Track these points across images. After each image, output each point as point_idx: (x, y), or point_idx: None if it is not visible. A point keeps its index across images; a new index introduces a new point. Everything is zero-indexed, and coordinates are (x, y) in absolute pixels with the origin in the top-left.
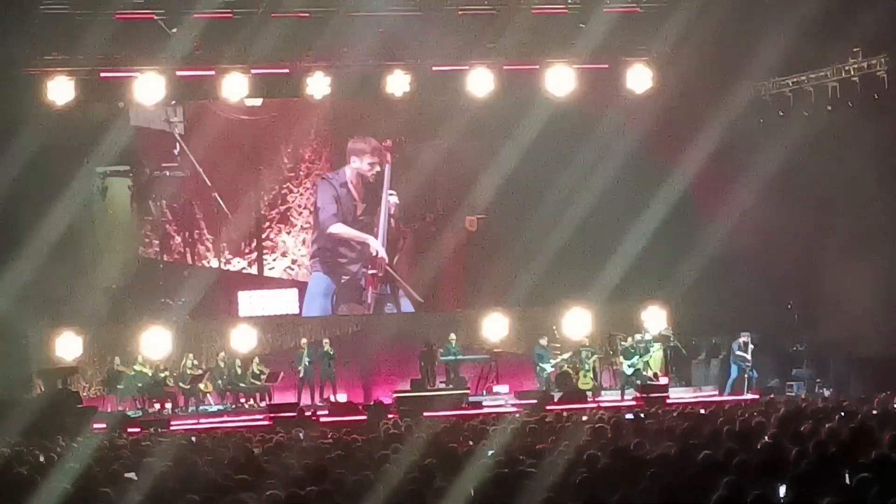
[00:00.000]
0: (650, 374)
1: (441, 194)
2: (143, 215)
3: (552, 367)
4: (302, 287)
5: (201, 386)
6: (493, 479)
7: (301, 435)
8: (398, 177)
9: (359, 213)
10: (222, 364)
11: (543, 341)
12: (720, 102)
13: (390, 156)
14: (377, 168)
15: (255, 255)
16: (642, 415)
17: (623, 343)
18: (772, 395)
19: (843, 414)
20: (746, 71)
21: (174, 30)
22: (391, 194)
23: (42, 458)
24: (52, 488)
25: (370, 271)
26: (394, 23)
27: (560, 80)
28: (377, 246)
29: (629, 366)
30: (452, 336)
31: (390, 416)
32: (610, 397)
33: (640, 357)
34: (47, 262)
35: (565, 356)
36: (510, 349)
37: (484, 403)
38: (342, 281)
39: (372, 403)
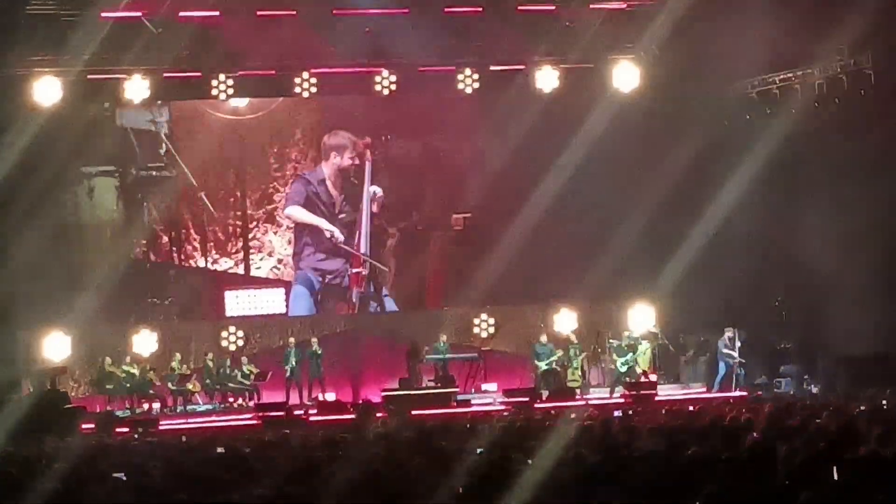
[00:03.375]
0: (639, 371)
1: (428, 193)
2: (129, 215)
3: (547, 364)
4: (288, 286)
5: (189, 386)
6: (481, 478)
7: (289, 434)
8: (385, 176)
9: (337, 211)
10: (210, 364)
11: (544, 339)
12: (707, 100)
13: (370, 153)
14: (357, 162)
15: (241, 254)
16: (630, 412)
17: (613, 341)
18: (760, 392)
19: (831, 410)
20: (733, 68)
21: (161, 30)
22: (375, 191)
23: (31, 459)
24: (41, 488)
25: (353, 270)
26: (380, 22)
27: (547, 78)
28: (331, 228)
29: (623, 363)
30: (443, 336)
31: (379, 414)
32: (598, 395)
33: (633, 354)
34: (35, 263)
35: (559, 354)
36: (499, 347)
37: (472, 402)
38: (325, 281)
39: (360, 402)
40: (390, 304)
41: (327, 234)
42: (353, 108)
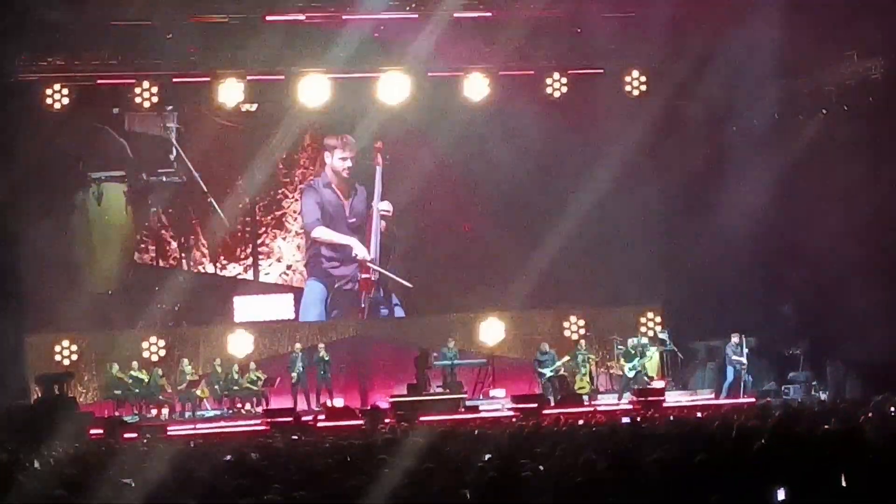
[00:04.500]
0: (647, 377)
1: (437, 199)
2: (138, 221)
3: (551, 371)
4: (297, 292)
5: (198, 391)
6: (489, 484)
7: (298, 440)
8: (394, 181)
9: (347, 215)
10: (219, 369)
11: (545, 347)
12: (715, 106)
13: (381, 157)
14: (349, 163)
15: (250, 260)
16: (638, 418)
17: (620, 346)
18: (768, 399)
19: (839, 417)
20: (742, 75)
21: (169, 35)
22: (384, 208)
23: (38, 464)
24: (49, 494)
25: (363, 275)
26: (390, 27)
27: (556, 84)
28: (359, 248)
29: (630, 368)
30: (451, 342)
31: (387, 420)
32: (606, 401)
33: (640, 360)
34: (44, 268)
35: (563, 360)
36: (507, 353)
37: (481, 408)
38: (335, 286)
39: (369, 408)
40: (398, 311)
41: (354, 254)
42: (362, 113)
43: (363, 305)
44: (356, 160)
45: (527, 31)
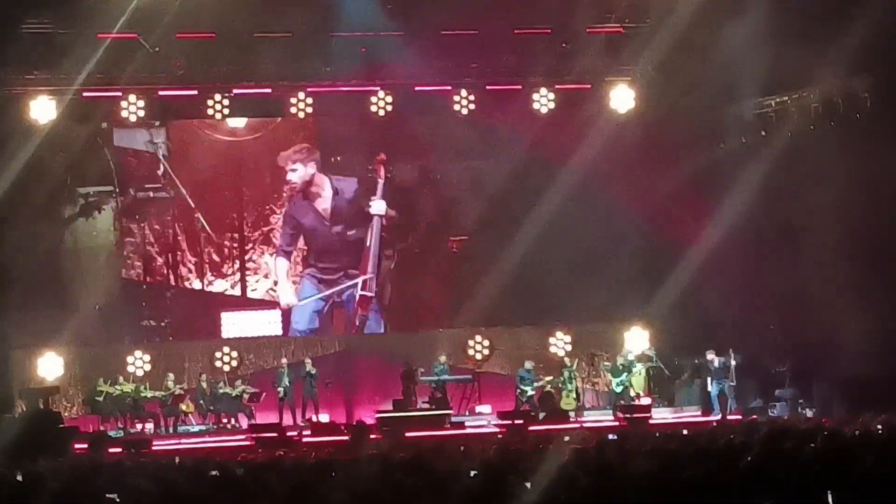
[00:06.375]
0: (632, 394)
1: (425, 215)
2: (126, 237)
3: (532, 389)
4: (284, 308)
5: (183, 406)
6: (475, 500)
7: (283, 455)
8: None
9: (330, 224)
10: (204, 384)
11: (529, 365)
12: (703, 122)
13: (384, 169)
14: (301, 172)
15: (237, 276)
16: (625, 435)
17: (607, 363)
18: (754, 416)
19: (825, 434)
20: (729, 91)
21: (157, 49)
22: (378, 211)
23: (22, 479)
24: None
25: (360, 292)
26: (377, 43)
27: (543, 99)
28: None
29: (618, 384)
30: (442, 357)
31: (373, 436)
32: (592, 417)
33: (628, 375)
34: (30, 283)
35: (546, 380)
36: (493, 369)
37: (466, 423)
38: (330, 301)
39: (354, 423)
40: (376, 327)
41: (356, 281)
42: (349, 129)
43: (357, 323)
44: (319, 164)
45: (513, 47)
